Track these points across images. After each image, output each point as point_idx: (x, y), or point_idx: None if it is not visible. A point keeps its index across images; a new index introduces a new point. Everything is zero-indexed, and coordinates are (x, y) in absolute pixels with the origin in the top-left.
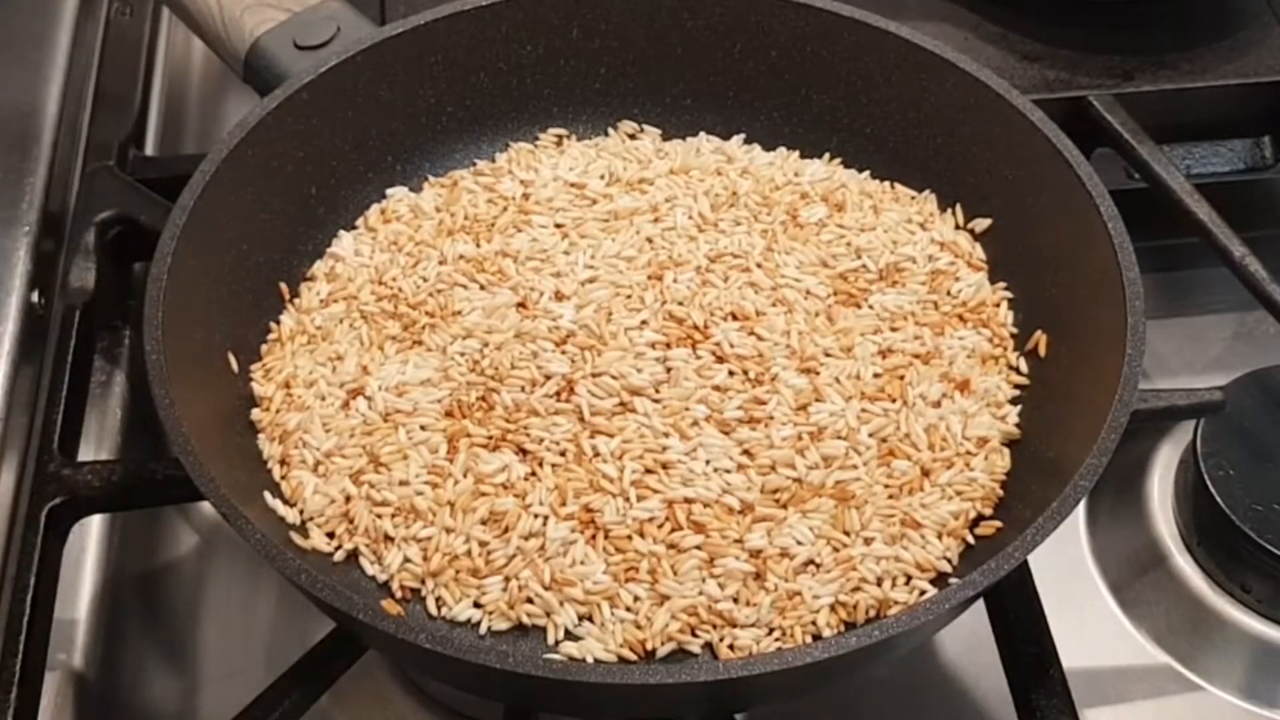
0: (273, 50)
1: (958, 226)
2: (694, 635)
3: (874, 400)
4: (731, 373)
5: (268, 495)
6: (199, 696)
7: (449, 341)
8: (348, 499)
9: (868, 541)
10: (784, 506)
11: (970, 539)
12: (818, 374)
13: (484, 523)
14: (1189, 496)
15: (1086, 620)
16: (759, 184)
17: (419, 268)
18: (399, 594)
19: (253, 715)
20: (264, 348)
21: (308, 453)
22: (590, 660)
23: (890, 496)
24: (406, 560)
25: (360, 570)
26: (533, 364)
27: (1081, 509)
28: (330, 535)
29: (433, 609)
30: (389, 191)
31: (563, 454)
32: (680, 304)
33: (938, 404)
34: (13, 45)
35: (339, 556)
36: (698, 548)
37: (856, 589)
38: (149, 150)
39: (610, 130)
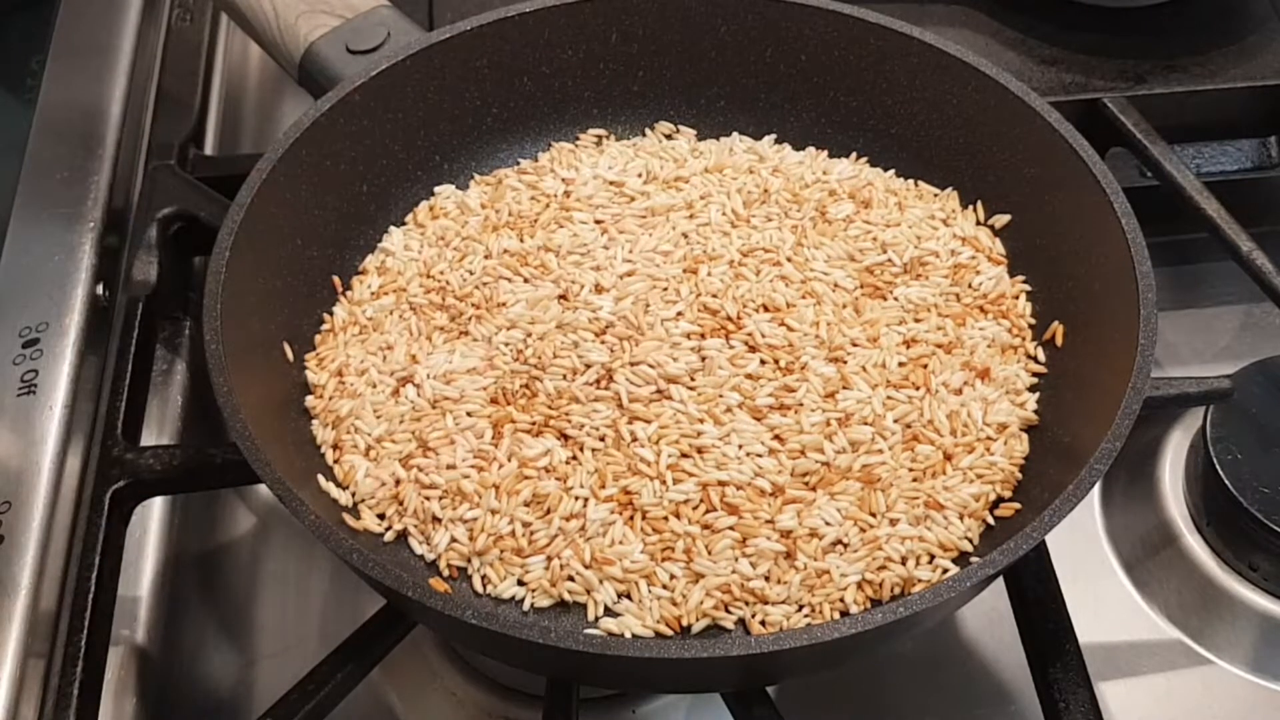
0: (326, 55)
1: (979, 222)
2: (727, 612)
3: (899, 388)
4: (763, 361)
5: (321, 478)
6: (255, 670)
7: (494, 332)
8: (397, 482)
9: (893, 522)
10: (813, 489)
11: (990, 520)
12: (845, 363)
13: (527, 504)
14: (1199, 479)
15: (1101, 597)
16: (789, 182)
17: (465, 261)
18: (446, 572)
19: (307, 688)
20: (317, 338)
21: (359, 438)
22: (629, 635)
23: (914, 479)
24: (453, 540)
25: (409, 550)
26: (574, 353)
27: (1096, 491)
28: (381, 516)
29: (478, 587)
30: (437, 189)
31: (602, 439)
32: (714, 296)
33: (959, 391)
34: (79, 51)
35: (389, 537)
36: (731, 528)
37: (882, 568)
38: (208, 150)
39: (648, 130)
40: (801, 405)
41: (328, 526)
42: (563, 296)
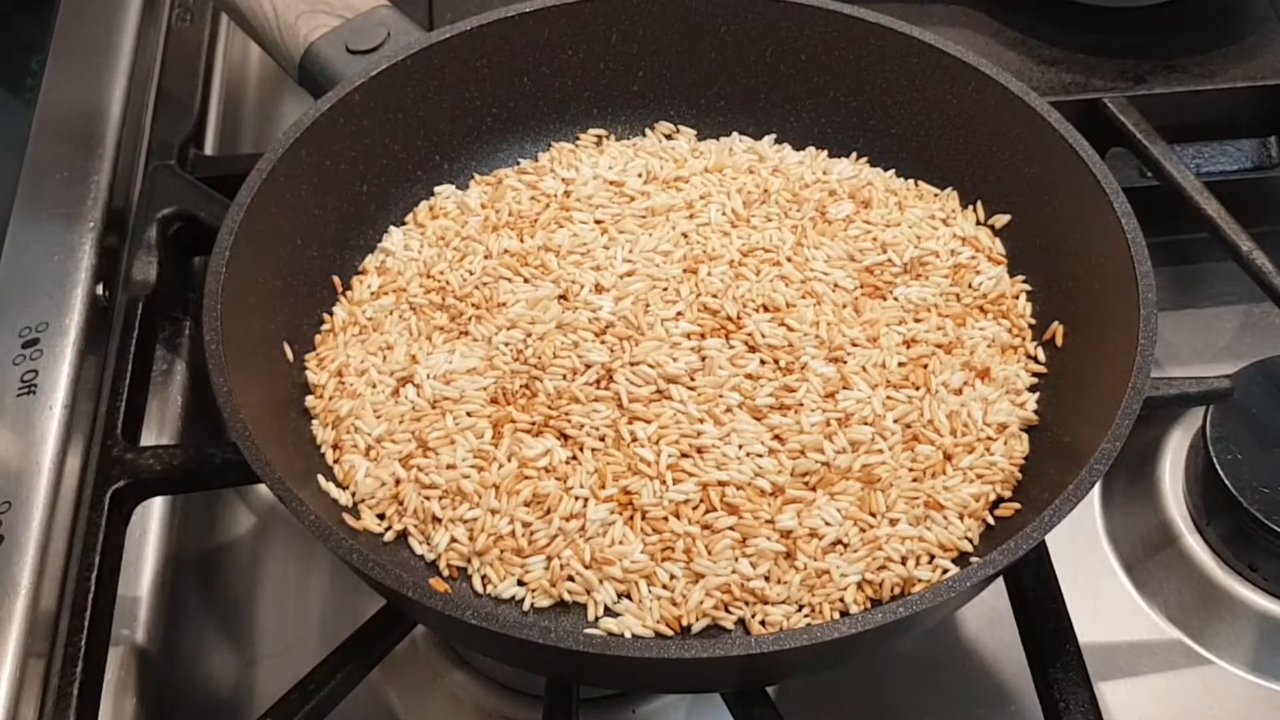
0: (326, 55)
1: (979, 222)
2: (727, 612)
3: (899, 388)
4: (763, 361)
5: (321, 478)
6: (255, 670)
7: (494, 332)
8: (397, 482)
9: (893, 522)
10: (813, 489)
11: (990, 520)
12: (845, 363)
13: (527, 504)
14: (1199, 479)
15: (1101, 597)
16: (789, 182)
17: (465, 262)
18: (446, 573)
19: (307, 688)
20: (317, 338)
21: (359, 438)
22: (628, 636)
23: (914, 480)
24: (453, 540)
25: (409, 550)
26: (574, 353)
27: (1096, 491)
28: (380, 516)
29: (478, 587)
30: (437, 189)
31: (602, 439)
32: (714, 296)
33: (959, 391)
34: (79, 51)
35: (389, 537)
36: (731, 528)
37: (882, 568)
38: (208, 150)
39: (648, 130)
40: (801, 405)
41: (328, 526)
42: (563, 296)
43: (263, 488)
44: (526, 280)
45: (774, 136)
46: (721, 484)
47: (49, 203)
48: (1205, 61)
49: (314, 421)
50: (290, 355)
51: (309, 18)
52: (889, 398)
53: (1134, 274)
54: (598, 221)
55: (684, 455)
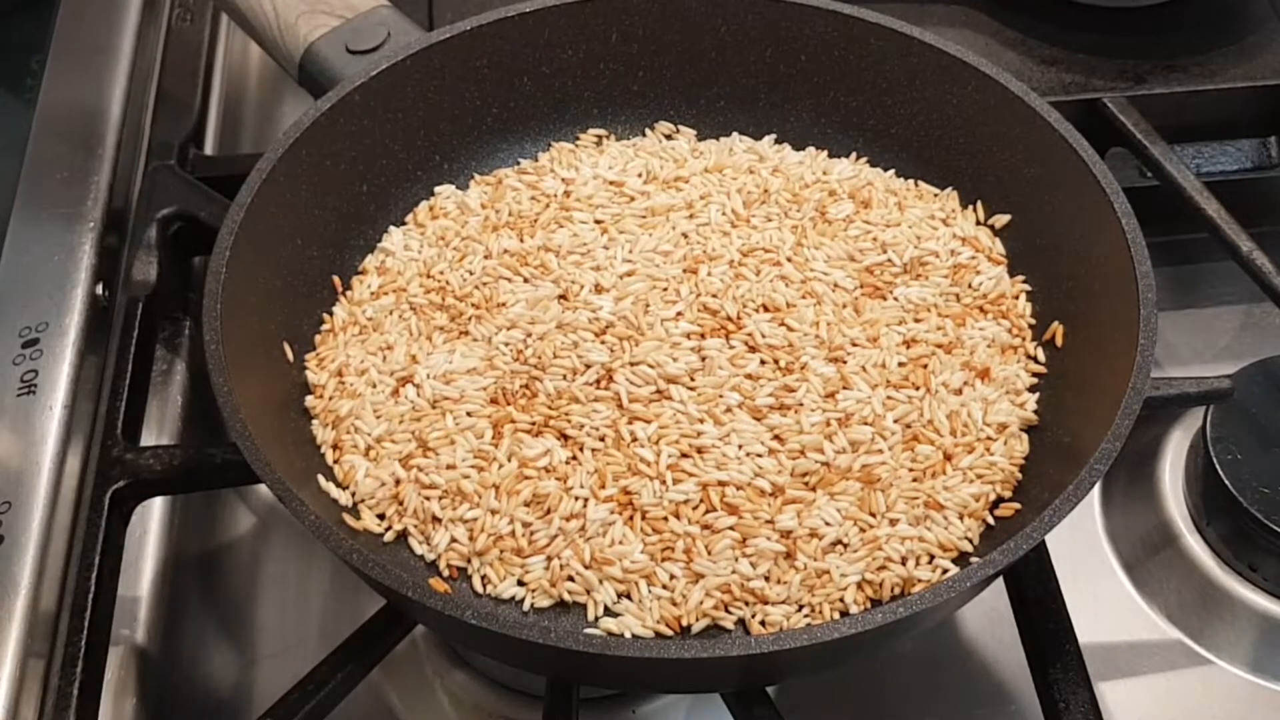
0: (326, 55)
1: (979, 222)
2: (727, 612)
3: (899, 388)
4: (763, 362)
5: (321, 478)
6: (255, 670)
7: (494, 332)
8: (397, 482)
9: (893, 522)
10: (813, 489)
11: (990, 520)
12: (845, 363)
13: (527, 504)
14: (1199, 479)
15: (1101, 597)
16: (789, 182)
17: (465, 261)
18: (446, 573)
19: (307, 688)
20: (317, 338)
21: (359, 438)
22: (628, 636)
23: (914, 480)
24: (453, 540)
25: (409, 550)
26: (574, 353)
27: (1096, 491)
28: (380, 516)
29: (478, 587)
30: (437, 189)
31: (602, 439)
32: (714, 296)
33: (959, 391)
34: (79, 51)
35: (389, 537)
36: (731, 528)
37: (882, 568)
38: (208, 150)
39: (648, 130)
40: (801, 405)
41: (328, 526)
42: (563, 296)
43: (263, 488)
44: (526, 280)
45: (774, 136)
46: (721, 484)
47: (49, 203)
48: (1205, 61)
49: (314, 421)
50: (290, 355)
51: (309, 18)
52: (889, 398)
53: (1134, 274)
54: (598, 221)
55: (684, 455)
